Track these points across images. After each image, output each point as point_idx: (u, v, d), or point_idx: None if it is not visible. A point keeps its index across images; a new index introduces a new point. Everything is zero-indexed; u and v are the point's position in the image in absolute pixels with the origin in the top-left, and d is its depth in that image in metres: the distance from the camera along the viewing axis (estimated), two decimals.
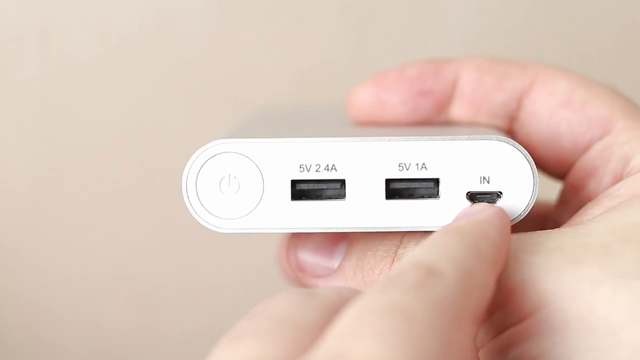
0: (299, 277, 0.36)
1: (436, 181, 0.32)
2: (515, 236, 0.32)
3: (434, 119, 0.38)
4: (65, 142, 0.67)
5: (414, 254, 0.28)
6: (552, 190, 0.39)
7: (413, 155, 0.32)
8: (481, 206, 0.32)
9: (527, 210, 0.32)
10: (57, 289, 0.69)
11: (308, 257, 0.36)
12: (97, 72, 0.66)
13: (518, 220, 0.32)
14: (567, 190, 0.37)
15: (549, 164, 0.37)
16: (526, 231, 0.33)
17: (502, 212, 0.31)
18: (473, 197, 0.32)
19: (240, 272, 0.68)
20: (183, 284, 0.69)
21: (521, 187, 0.32)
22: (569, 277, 0.30)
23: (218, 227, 0.32)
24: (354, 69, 0.66)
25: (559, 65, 0.38)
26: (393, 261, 0.33)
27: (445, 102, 0.37)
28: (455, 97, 0.37)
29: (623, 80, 0.46)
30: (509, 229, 0.31)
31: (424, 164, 0.32)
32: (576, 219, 0.34)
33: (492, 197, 0.32)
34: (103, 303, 0.69)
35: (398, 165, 0.32)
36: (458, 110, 0.38)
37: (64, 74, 0.66)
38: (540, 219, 0.39)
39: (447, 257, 0.28)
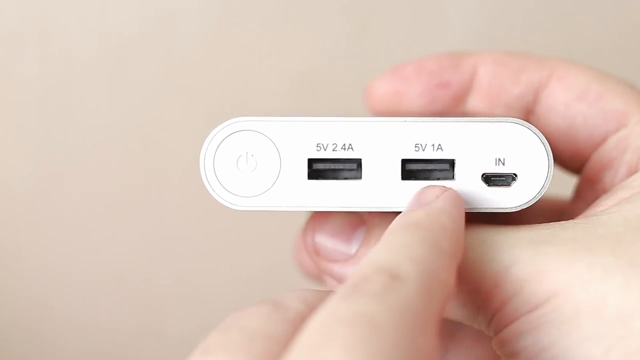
0: (314, 260, 0.36)
1: (452, 162, 0.33)
2: (529, 227, 0.32)
3: (451, 111, 0.38)
4: (65, 142, 0.67)
5: (376, 255, 0.28)
6: (567, 186, 0.39)
7: (429, 136, 0.32)
8: (435, 191, 0.32)
9: (542, 192, 0.32)
10: (57, 288, 0.69)
11: (326, 240, 0.36)
12: (97, 71, 0.66)
13: (533, 203, 0.33)
14: (582, 184, 0.37)
15: (565, 157, 0.38)
16: (542, 222, 0.33)
17: (456, 197, 0.32)
18: (488, 178, 0.33)
19: (240, 272, 0.67)
20: (183, 284, 0.69)
21: (536, 169, 0.32)
22: (581, 266, 0.30)
23: (235, 205, 0.33)
24: (354, 69, 0.66)
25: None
26: None
27: (462, 94, 0.38)
28: (472, 90, 0.38)
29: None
30: (463, 214, 0.31)
31: (439, 145, 0.32)
32: (590, 210, 0.34)
33: (507, 179, 0.33)
34: (103, 303, 0.69)
35: (414, 145, 0.32)
36: (475, 102, 0.38)
37: (64, 73, 0.66)
38: (556, 215, 0.39)
39: (410, 259, 0.27)
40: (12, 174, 0.67)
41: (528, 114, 0.38)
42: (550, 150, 0.32)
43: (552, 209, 0.39)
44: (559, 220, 0.38)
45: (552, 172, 0.32)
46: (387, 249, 0.28)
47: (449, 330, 0.40)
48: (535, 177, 0.32)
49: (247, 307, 0.28)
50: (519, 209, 0.32)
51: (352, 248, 0.35)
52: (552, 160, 0.32)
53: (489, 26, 0.66)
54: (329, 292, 0.29)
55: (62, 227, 0.68)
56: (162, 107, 0.67)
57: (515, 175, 0.32)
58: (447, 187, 0.32)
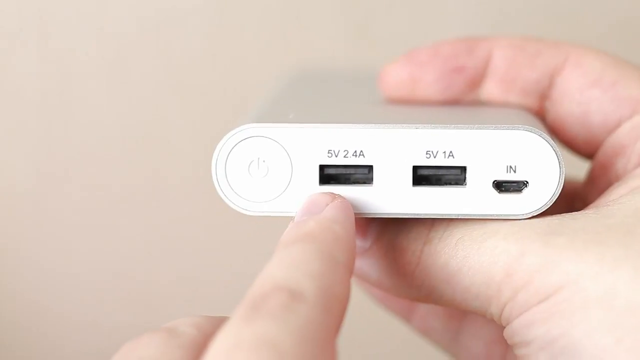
0: None
1: (463, 169, 0.32)
2: (540, 218, 0.32)
3: (466, 97, 0.38)
4: (65, 141, 0.67)
5: (272, 270, 0.28)
6: (581, 168, 0.39)
7: (440, 143, 0.32)
8: (325, 199, 0.32)
9: (552, 200, 0.33)
10: (57, 288, 0.69)
11: None
12: (97, 70, 0.66)
13: (544, 210, 0.33)
14: (595, 169, 0.37)
15: (579, 143, 0.37)
16: (554, 208, 0.33)
17: (346, 205, 0.32)
18: (499, 185, 0.33)
19: (240, 271, 0.67)
20: (184, 284, 0.70)
21: (547, 177, 0.32)
22: (591, 257, 0.30)
23: (246, 210, 0.33)
24: (354, 68, 0.65)
25: None
26: (424, 244, 0.34)
27: (478, 79, 0.38)
28: (488, 75, 0.37)
29: None
30: (354, 221, 0.32)
31: (451, 152, 0.32)
32: (602, 199, 0.34)
33: (518, 185, 0.33)
34: (103, 302, 0.70)
35: (425, 152, 0.32)
36: (490, 87, 0.38)
37: (64, 72, 0.66)
38: (569, 197, 0.39)
39: (307, 275, 0.28)
40: (11, 172, 0.67)
41: (543, 99, 0.37)
42: (561, 157, 0.32)
43: (565, 191, 0.39)
44: (572, 204, 0.39)
45: (563, 180, 0.32)
46: (284, 263, 0.28)
47: (460, 311, 0.41)
48: (547, 184, 0.32)
49: (139, 336, 0.28)
50: (530, 217, 0.33)
51: (367, 242, 0.35)
52: (564, 168, 0.32)
53: (489, 26, 0.65)
54: (221, 319, 0.29)
55: (61, 225, 0.68)
56: (162, 105, 0.66)
57: (527, 182, 0.32)
58: (335, 194, 0.32)
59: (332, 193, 0.32)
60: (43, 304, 0.70)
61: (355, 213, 0.33)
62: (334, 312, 0.27)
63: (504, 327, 0.32)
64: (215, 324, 0.29)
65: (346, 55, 0.66)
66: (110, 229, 0.68)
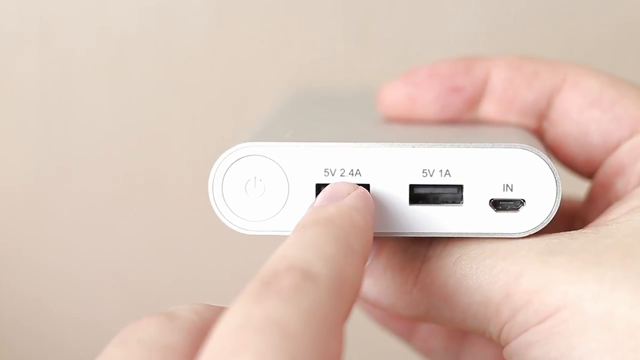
0: None
1: (460, 188, 0.32)
2: (539, 237, 0.32)
3: (464, 117, 0.38)
4: (65, 141, 0.67)
5: (287, 249, 0.28)
6: (581, 187, 0.39)
7: (437, 162, 0.32)
8: (347, 188, 0.32)
9: (549, 218, 0.32)
10: (57, 287, 0.69)
11: None
12: (97, 70, 0.66)
13: (541, 229, 0.33)
14: (595, 189, 0.37)
15: (578, 163, 0.37)
16: (554, 227, 0.33)
17: (367, 195, 0.32)
18: (496, 204, 0.33)
19: (240, 271, 0.67)
20: (184, 283, 0.70)
21: (544, 196, 0.32)
22: (590, 278, 0.30)
23: (244, 229, 0.33)
24: (354, 68, 0.65)
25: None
26: (422, 263, 0.33)
27: (476, 99, 0.38)
28: (485, 95, 0.38)
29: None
30: (374, 212, 0.32)
31: (447, 170, 0.32)
32: (602, 218, 0.34)
33: (515, 204, 0.33)
34: (103, 302, 0.69)
35: (422, 171, 0.32)
36: (488, 108, 0.38)
37: (64, 72, 0.66)
38: (569, 217, 0.39)
39: (322, 257, 0.27)
40: (11, 172, 0.67)
41: (541, 120, 0.37)
42: (558, 175, 0.32)
43: (565, 211, 0.39)
44: (571, 223, 0.39)
45: (560, 198, 0.32)
46: (299, 244, 0.28)
47: (461, 331, 0.41)
48: (544, 202, 0.32)
49: (138, 319, 0.28)
50: (527, 235, 0.32)
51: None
52: (561, 186, 0.32)
53: (489, 25, 0.65)
54: (220, 308, 0.29)
55: (61, 225, 0.68)
56: (162, 105, 0.67)
57: (524, 200, 0.32)
58: (357, 185, 0.32)
59: (354, 183, 0.32)
60: (43, 304, 0.69)
61: None
62: (345, 297, 0.27)
63: (503, 347, 0.32)
64: (214, 312, 0.29)
65: (346, 55, 0.66)
66: (110, 228, 0.68)
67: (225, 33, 0.66)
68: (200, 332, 0.28)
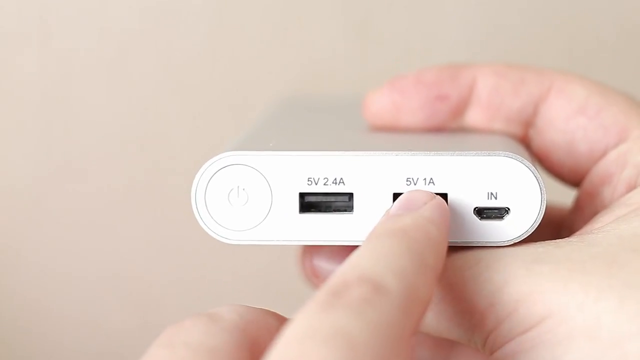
0: (314, 283, 0.36)
1: (444, 196, 0.32)
2: (524, 246, 0.32)
3: (450, 125, 0.38)
4: (65, 140, 0.67)
5: (359, 260, 0.28)
6: (567, 195, 0.39)
7: (421, 170, 0.32)
8: (424, 197, 0.32)
9: (534, 226, 0.32)
10: (56, 287, 0.69)
11: (323, 263, 0.36)
12: (97, 70, 0.66)
13: (526, 237, 0.32)
14: (582, 197, 0.37)
15: (564, 171, 0.37)
16: (540, 235, 0.33)
17: (444, 207, 0.31)
18: (481, 212, 0.32)
19: (240, 271, 0.68)
20: (184, 283, 0.69)
21: (529, 204, 0.32)
22: (576, 287, 0.30)
23: (226, 239, 0.33)
24: (354, 68, 0.65)
25: (558, 65, 0.38)
26: None
27: (461, 107, 0.37)
28: (471, 103, 0.37)
29: (623, 79, 0.46)
30: (448, 224, 0.31)
31: (431, 179, 0.32)
32: (588, 227, 0.34)
33: (499, 212, 0.32)
34: (103, 302, 0.69)
35: (406, 179, 0.32)
36: (474, 115, 0.37)
37: (64, 72, 0.66)
38: (555, 225, 0.39)
39: (394, 271, 0.27)
40: (11, 172, 0.67)
41: (528, 127, 0.37)
42: (542, 184, 0.32)
43: (552, 219, 0.38)
44: (558, 231, 0.38)
45: (545, 206, 0.32)
46: (371, 255, 0.28)
47: (448, 340, 0.40)
48: (528, 211, 0.32)
49: (182, 320, 0.28)
50: (512, 243, 0.32)
51: None
52: (545, 194, 0.32)
53: (488, 25, 0.65)
54: (260, 309, 0.29)
55: (61, 225, 0.68)
56: (162, 105, 0.67)
57: (508, 209, 0.32)
58: (435, 194, 0.32)
59: (432, 192, 0.32)
60: (43, 304, 0.69)
61: (336, 242, 0.33)
62: (414, 313, 0.27)
63: (488, 356, 0.32)
64: (255, 314, 0.29)
65: (346, 55, 0.66)
66: (110, 228, 0.68)
67: (225, 33, 0.66)
68: (242, 334, 0.28)
